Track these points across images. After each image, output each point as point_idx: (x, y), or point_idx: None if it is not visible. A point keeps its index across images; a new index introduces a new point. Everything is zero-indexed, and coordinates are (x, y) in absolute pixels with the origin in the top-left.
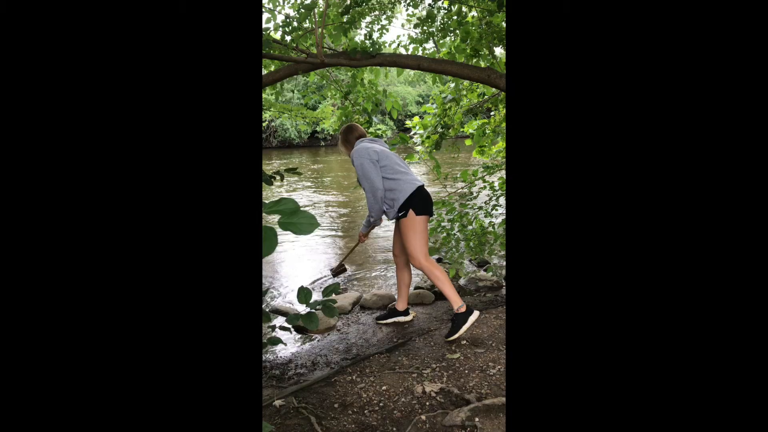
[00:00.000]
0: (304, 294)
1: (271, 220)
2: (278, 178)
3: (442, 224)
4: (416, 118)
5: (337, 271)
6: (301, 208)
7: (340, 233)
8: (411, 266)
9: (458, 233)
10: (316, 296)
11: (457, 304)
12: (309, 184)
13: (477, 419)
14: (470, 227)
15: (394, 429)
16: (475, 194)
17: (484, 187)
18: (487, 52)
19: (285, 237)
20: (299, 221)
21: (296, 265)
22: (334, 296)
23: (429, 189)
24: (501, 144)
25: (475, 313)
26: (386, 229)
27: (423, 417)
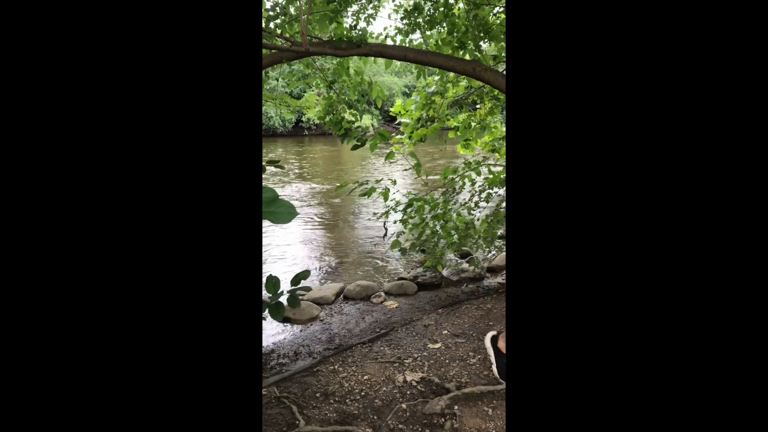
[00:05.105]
0: (272, 284)
1: None
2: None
3: (426, 220)
4: (398, 101)
5: None
6: (280, 197)
7: (325, 224)
8: None
9: (440, 230)
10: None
11: None
12: (293, 175)
13: (456, 407)
14: (450, 223)
15: (375, 417)
16: (457, 190)
17: (464, 185)
18: (472, 45)
19: (268, 229)
20: (278, 210)
21: (283, 257)
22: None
23: (410, 186)
24: (486, 137)
25: None
26: (371, 219)
27: (404, 405)
